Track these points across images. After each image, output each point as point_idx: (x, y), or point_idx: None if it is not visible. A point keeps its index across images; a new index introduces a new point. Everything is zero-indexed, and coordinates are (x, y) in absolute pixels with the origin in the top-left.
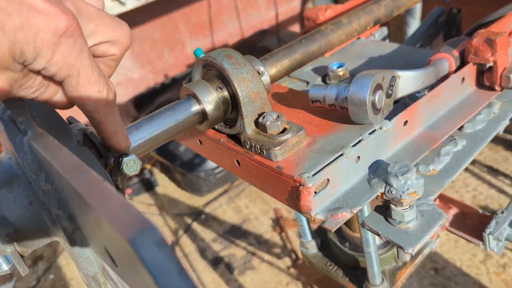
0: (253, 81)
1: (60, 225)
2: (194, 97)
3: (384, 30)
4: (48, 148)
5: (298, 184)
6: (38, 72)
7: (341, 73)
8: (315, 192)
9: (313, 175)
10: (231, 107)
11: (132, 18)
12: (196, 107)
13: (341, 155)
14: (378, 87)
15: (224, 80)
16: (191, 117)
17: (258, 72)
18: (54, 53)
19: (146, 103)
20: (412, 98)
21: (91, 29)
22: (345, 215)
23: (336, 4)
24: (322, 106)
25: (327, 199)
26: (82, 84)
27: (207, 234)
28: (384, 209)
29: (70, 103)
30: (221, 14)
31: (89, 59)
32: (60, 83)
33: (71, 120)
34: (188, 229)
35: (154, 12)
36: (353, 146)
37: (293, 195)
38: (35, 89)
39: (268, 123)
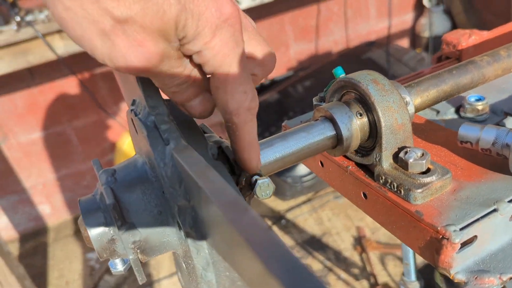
0: (399, 111)
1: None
2: (331, 120)
3: None
4: (195, 166)
5: (440, 236)
6: (190, 59)
7: (480, 107)
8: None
9: (461, 230)
10: (368, 136)
11: None
12: (332, 132)
13: (494, 210)
14: None
15: (366, 106)
16: (325, 141)
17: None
18: (213, 36)
19: None
20: None
21: (244, 39)
22: (492, 281)
23: (481, 31)
24: (472, 149)
25: (470, 258)
26: (230, 80)
27: (285, 240)
28: None
29: (206, 111)
30: (329, 20)
31: (242, 56)
32: (198, 87)
33: (204, 129)
34: None
35: (265, 12)
36: (509, 201)
37: (431, 247)
38: (179, 81)
39: (411, 160)
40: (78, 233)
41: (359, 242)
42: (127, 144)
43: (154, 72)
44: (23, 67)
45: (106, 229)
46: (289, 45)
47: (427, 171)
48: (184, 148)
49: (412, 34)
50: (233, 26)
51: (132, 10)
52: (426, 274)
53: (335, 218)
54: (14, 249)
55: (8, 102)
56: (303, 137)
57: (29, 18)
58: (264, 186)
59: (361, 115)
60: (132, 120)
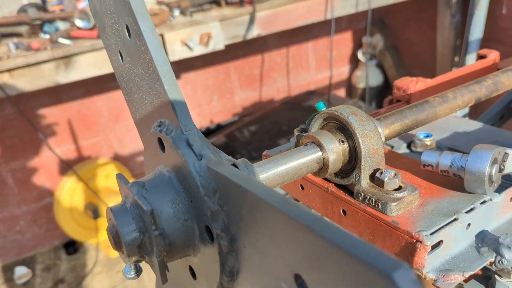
0: (374, 138)
1: (217, 244)
2: (319, 145)
3: (466, 108)
4: (237, 176)
5: (414, 240)
6: None
7: (428, 143)
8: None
9: (431, 234)
10: (348, 160)
11: (192, 62)
12: (319, 155)
13: (455, 219)
14: (495, 161)
15: (346, 134)
16: (313, 163)
17: None
18: None
19: None
20: None
21: None
22: (457, 278)
23: (426, 79)
24: (432, 171)
25: (438, 260)
26: None
27: None
28: (483, 279)
29: None
30: (272, 70)
31: None
32: None
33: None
34: None
35: (212, 60)
36: (466, 212)
37: (406, 251)
38: None
39: (386, 179)
40: (8, 282)
41: None
42: (65, 190)
43: None
44: None
45: (138, 234)
46: (234, 92)
47: (399, 188)
48: (218, 162)
49: (349, 85)
50: None
51: None
52: None
53: None
54: None
55: None
56: (297, 157)
57: None
58: None
59: (343, 142)
60: (159, 139)
